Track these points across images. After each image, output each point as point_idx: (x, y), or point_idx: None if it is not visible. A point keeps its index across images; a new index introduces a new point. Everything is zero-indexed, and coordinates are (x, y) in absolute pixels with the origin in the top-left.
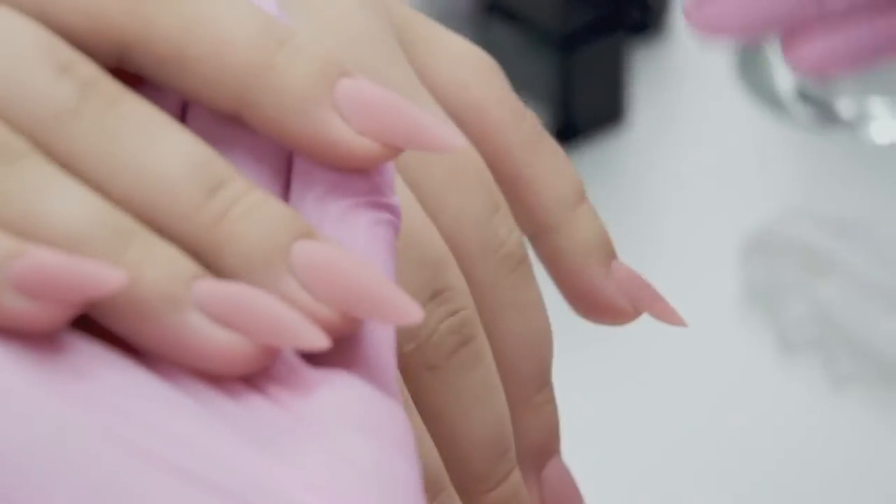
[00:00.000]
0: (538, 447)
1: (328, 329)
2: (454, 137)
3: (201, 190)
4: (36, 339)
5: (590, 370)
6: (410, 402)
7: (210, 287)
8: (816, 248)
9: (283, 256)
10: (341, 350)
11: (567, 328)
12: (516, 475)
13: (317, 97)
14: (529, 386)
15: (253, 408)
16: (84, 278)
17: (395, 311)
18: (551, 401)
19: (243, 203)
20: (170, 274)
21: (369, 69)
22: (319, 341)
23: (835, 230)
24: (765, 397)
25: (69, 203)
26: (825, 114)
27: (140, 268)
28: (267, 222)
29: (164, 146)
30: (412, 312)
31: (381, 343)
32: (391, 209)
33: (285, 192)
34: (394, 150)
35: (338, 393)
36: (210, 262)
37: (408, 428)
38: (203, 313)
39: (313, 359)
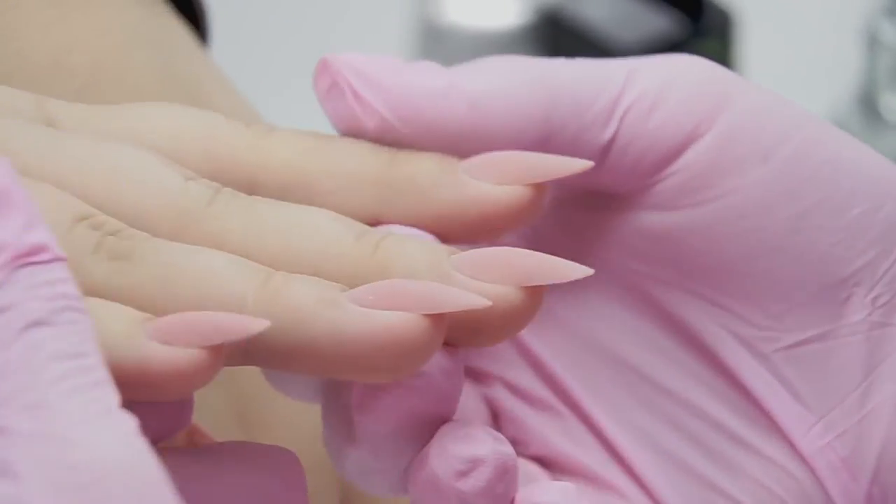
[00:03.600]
0: None
1: (512, 305)
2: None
3: (350, 233)
4: None
5: None
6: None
7: (363, 287)
8: None
9: (446, 261)
10: None
11: None
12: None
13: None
14: None
15: None
16: (224, 324)
17: (565, 271)
18: None
19: (392, 237)
20: (318, 285)
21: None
22: (480, 302)
23: None
24: None
25: (207, 257)
26: None
27: (287, 285)
28: (420, 244)
29: (303, 212)
30: (579, 269)
31: None
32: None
33: None
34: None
35: None
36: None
37: None
38: (359, 304)
39: None
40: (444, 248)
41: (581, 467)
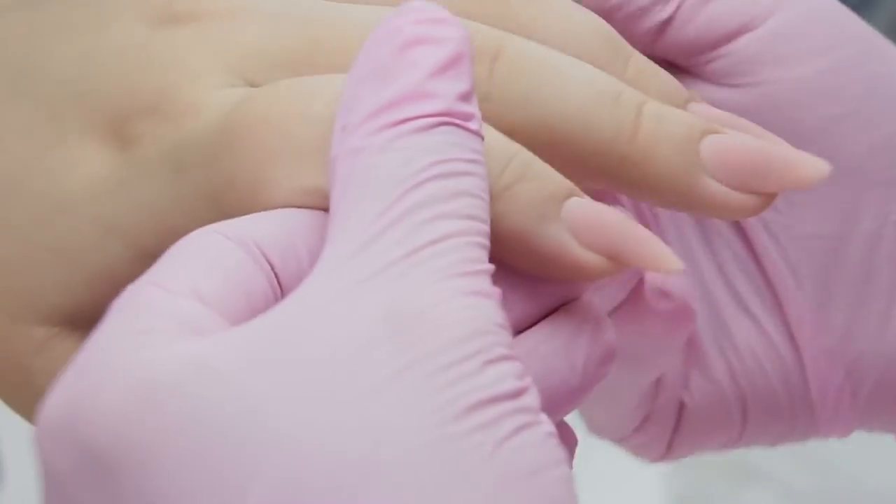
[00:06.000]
0: None
1: (747, 212)
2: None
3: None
4: None
5: None
6: None
7: (578, 205)
8: (743, 458)
9: (699, 161)
10: None
11: None
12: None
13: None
14: None
15: None
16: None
17: (799, 171)
18: None
19: (649, 114)
20: (543, 191)
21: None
22: (673, 266)
23: None
24: None
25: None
26: None
27: (520, 181)
28: (676, 133)
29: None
30: (818, 164)
31: None
32: None
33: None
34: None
35: None
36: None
37: None
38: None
39: None
40: (698, 138)
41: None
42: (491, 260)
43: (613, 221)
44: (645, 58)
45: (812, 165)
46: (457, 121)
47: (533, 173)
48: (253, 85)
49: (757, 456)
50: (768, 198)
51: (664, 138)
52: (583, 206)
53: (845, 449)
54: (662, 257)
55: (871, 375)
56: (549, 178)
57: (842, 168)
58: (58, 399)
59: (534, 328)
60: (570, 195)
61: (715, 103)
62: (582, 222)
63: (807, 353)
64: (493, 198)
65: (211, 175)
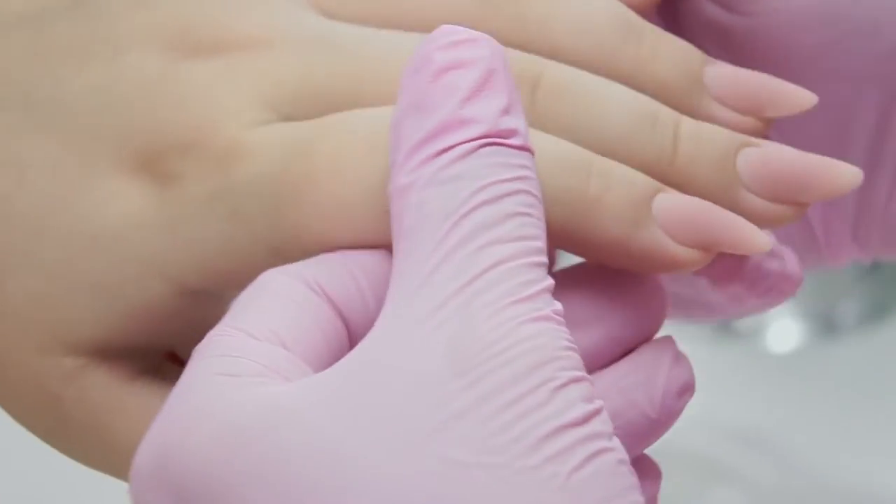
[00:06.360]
0: None
1: (784, 222)
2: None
3: (646, 119)
4: None
5: None
6: None
7: (675, 218)
8: (712, 458)
9: (737, 180)
10: None
11: None
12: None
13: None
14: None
15: None
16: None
17: (834, 182)
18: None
19: (686, 137)
20: (633, 193)
21: None
22: (764, 244)
23: (731, 439)
24: None
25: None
26: (721, 324)
27: (608, 190)
28: (710, 159)
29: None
30: (850, 173)
31: None
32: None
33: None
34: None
35: None
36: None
37: None
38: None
39: None
40: (734, 154)
41: None
42: (588, 272)
43: (701, 212)
44: (658, 29)
45: (846, 173)
46: (499, 140)
47: (618, 179)
48: (290, 119)
49: (725, 455)
50: (803, 207)
51: (702, 158)
52: (670, 202)
53: (813, 448)
54: (752, 239)
55: (877, 240)
56: (634, 180)
57: (844, 77)
58: (148, 445)
59: (614, 365)
60: (656, 192)
61: (720, 26)
62: (672, 219)
63: (820, 232)
64: (586, 210)
65: (273, 226)
